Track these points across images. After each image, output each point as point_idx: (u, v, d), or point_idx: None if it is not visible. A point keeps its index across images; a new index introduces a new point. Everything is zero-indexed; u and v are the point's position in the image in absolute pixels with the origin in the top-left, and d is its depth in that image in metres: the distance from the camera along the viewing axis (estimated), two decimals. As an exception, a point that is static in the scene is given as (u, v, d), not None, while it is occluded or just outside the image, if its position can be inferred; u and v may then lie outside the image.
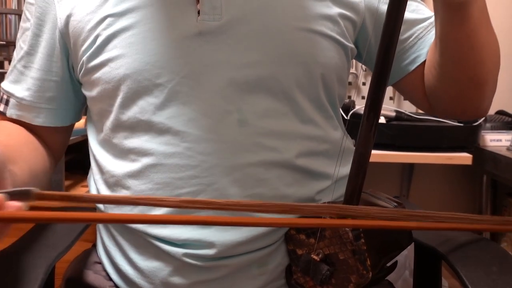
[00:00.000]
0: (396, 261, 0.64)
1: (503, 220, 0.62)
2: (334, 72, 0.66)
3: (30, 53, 0.69)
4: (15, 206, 0.37)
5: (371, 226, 0.53)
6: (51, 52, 0.68)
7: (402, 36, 0.69)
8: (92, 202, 0.42)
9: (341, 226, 0.55)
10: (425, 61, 0.70)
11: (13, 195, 0.38)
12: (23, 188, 0.39)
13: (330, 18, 0.64)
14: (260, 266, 0.62)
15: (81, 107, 0.75)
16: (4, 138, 0.66)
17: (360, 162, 0.53)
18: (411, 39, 0.70)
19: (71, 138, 1.12)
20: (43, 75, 0.69)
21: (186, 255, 0.60)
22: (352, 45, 0.68)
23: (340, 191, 0.66)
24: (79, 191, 1.09)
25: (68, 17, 0.65)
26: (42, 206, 0.36)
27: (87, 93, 0.67)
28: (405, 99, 0.77)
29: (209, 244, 0.60)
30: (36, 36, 0.68)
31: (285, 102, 0.62)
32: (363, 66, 1.54)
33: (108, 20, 0.62)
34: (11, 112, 0.70)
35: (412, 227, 0.55)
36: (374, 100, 0.52)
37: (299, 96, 0.63)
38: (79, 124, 1.19)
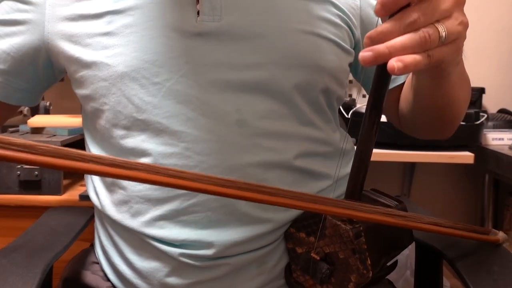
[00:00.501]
0: (397, 261, 0.64)
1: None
2: (333, 74, 0.66)
3: (10, 24, 0.67)
4: None
5: (368, 219, 0.53)
6: (29, 37, 0.66)
7: None
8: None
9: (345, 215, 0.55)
10: (403, 83, 0.72)
11: None
12: None
13: (331, 22, 0.64)
14: (259, 266, 0.61)
15: (36, 95, 0.74)
16: None
17: (362, 161, 0.53)
18: None
19: (69, 137, 1.13)
20: (7, 49, 0.67)
21: (184, 255, 0.60)
22: (351, 49, 0.68)
23: (341, 190, 0.65)
24: (78, 190, 1.08)
25: (58, 5, 0.64)
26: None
27: (79, 91, 0.65)
28: None
29: (207, 244, 0.59)
30: (23, 17, 0.66)
31: (284, 104, 0.62)
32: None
33: (108, 17, 0.61)
34: None
35: (411, 226, 0.54)
36: (376, 99, 0.51)
37: (298, 98, 0.62)
38: (77, 123, 1.19)
